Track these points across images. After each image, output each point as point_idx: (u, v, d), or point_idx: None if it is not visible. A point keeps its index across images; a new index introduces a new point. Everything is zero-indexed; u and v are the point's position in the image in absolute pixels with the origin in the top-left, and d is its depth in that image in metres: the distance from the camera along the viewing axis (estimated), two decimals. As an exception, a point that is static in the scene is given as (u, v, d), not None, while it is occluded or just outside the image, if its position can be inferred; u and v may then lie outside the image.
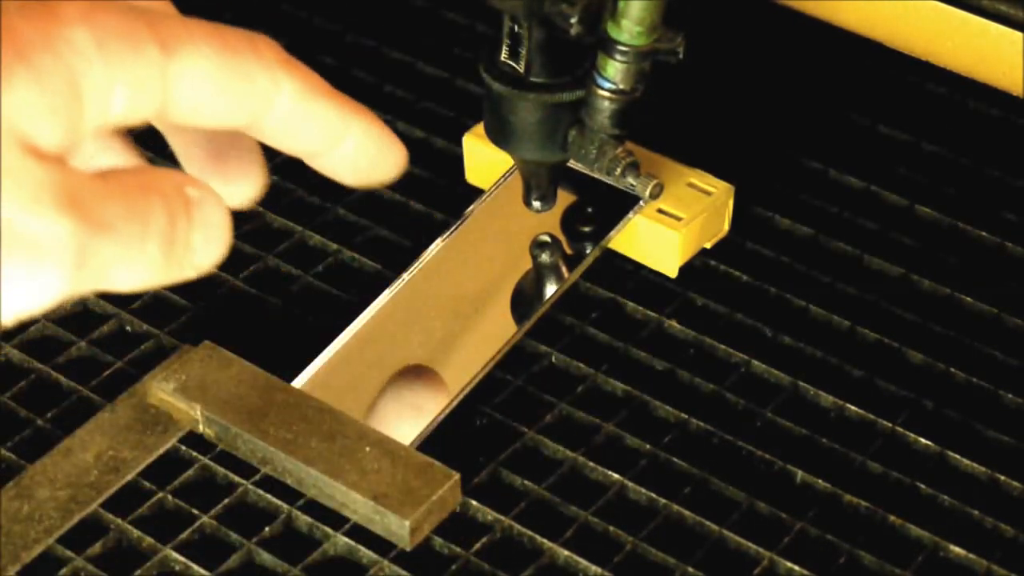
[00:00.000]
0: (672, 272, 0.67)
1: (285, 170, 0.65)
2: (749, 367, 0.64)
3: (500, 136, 0.63)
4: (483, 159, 0.69)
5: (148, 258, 0.42)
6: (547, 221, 0.67)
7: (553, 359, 0.64)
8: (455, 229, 0.67)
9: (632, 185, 0.63)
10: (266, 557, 0.58)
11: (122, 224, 0.41)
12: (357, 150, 0.46)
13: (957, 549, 0.58)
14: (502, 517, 0.59)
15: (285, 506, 0.59)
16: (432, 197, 0.71)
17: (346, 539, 0.58)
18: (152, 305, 0.66)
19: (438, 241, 0.66)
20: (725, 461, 0.61)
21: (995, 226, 0.69)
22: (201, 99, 0.42)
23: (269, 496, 0.59)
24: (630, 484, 0.60)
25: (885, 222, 0.69)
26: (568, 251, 0.66)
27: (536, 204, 0.65)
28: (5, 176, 0.39)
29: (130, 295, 0.66)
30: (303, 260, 0.68)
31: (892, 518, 0.59)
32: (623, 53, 0.59)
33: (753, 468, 0.60)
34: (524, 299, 0.65)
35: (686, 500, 0.59)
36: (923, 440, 0.61)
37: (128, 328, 0.66)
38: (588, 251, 0.66)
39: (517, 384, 0.63)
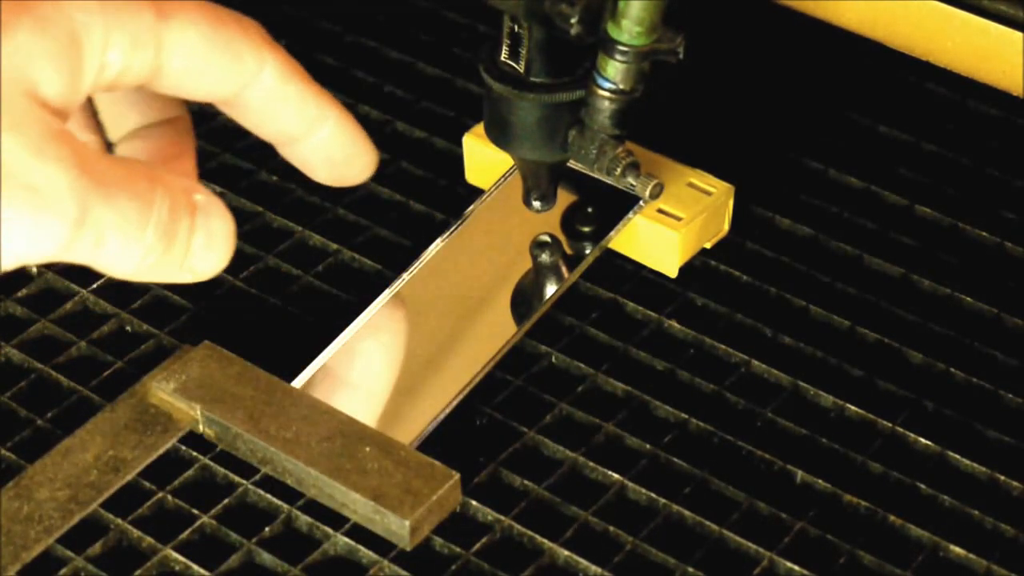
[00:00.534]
0: (672, 272, 0.66)
1: (285, 170, 0.65)
2: (749, 367, 0.64)
3: (500, 136, 0.63)
4: (483, 159, 0.69)
5: (146, 245, 0.43)
6: (547, 221, 0.67)
7: (553, 359, 0.64)
8: (455, 229, 0.67)
9: (632, 185, 0.63)
10: (266, 557, 0.58)
11: (124, 199, 0.42)
12: (332, 140, 0.47)
13: (957, 549, 0.57)
14: (502, 517, 0.59)
15: (285, 506, 0.59)
16: (432, 197, 0.71)
17: (346, 539, 0.58)
18: (152, 305, 0.66)
19: (438, 241, 0.66)
20: (725, 461, 0.61)
21: (995, 226, 0.69)
22: (191, 67, 0.44)
23: (269, 496, 0.59)
24: (630, 484, 0.60)
25: (885, 222, 0.69)
26: (568, 251, 0.66)
27: (536, 204, 0.65)
28: (8, 119, 0.40)
29: (130, 295, 0.66)
30: (303, 260, 0.68)
31: (892, 518, 0.59)
32: (623, 53, 0.59)
33: (753, 468, 0.60)
34: (524, 299, 0.65)
35: (686, 500, 0.59)
36: (923, 440, 0.61)
37: (128, 328, 0.66)
38: (588, 251, 0.66)
39: (517, 384, 0.63)
